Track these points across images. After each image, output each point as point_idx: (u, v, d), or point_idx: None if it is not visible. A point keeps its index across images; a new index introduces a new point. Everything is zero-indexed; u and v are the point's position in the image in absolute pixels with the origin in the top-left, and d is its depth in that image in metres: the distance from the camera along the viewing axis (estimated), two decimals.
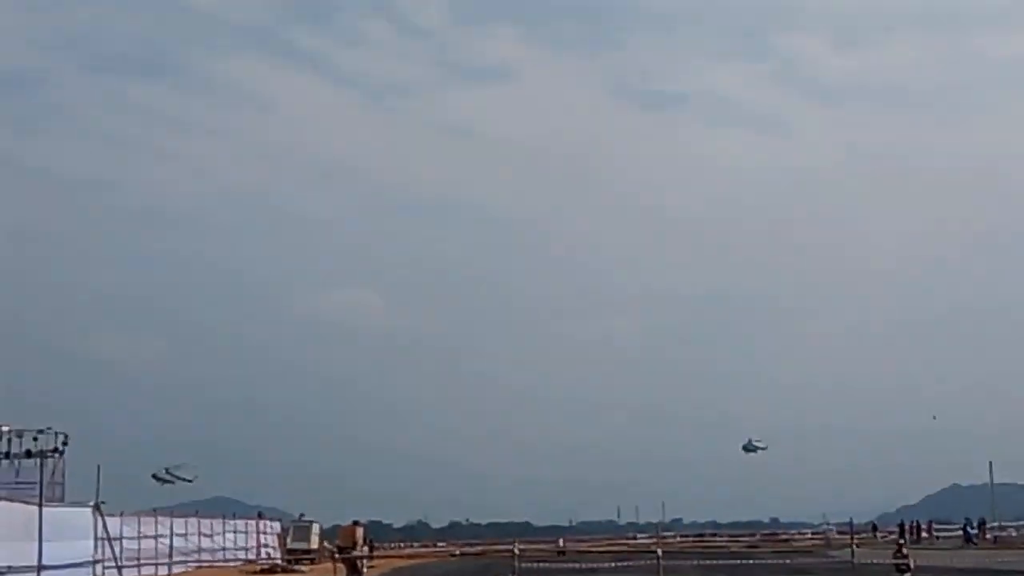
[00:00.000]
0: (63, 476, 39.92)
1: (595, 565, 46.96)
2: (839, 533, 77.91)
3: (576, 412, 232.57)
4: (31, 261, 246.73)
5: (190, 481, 56.34)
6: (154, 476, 56.49)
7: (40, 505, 28.30)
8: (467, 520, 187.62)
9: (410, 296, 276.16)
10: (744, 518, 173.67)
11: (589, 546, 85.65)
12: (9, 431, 40.67)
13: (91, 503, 35.03)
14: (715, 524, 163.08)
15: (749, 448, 67.90)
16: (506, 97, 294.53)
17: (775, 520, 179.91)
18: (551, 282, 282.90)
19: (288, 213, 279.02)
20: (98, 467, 36.49)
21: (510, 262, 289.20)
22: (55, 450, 39.83)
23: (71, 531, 31.96)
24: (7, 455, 40.12)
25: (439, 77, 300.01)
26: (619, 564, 45.32)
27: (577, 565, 44.76)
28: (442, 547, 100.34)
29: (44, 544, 27.73)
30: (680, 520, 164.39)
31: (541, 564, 43.36)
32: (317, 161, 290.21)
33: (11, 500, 28.52)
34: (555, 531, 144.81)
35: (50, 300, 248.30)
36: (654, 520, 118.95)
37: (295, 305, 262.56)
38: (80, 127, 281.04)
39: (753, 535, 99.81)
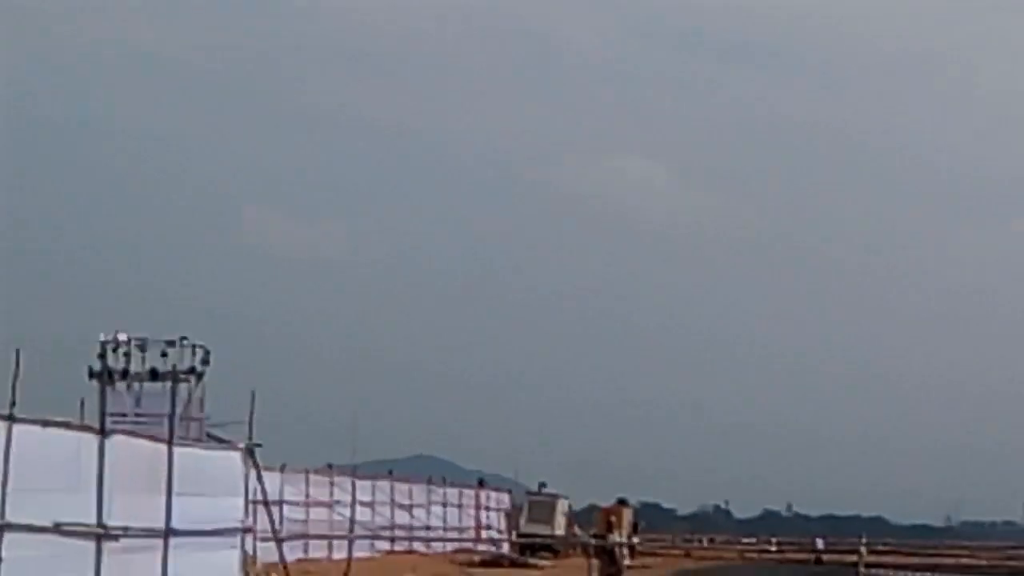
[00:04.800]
0: (201, 407, 32.69)
1: None
2: None
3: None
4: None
5: None
6: None
7: (170, 444, 25.31)
8: (789, 509, 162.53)
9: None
10: None
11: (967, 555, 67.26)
12: (128, 342, 33.29)
13: (241, 444, 30.97)
14: None
15: None
16: None
17: None
18: None
19: None
20: (252, 394, 31.16)
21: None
22: (191, 371, 32.64)
23: (211, 483, 28.73)
24: (125, 375, 32.46)
25: None
26: None
27: None
28: (750, 544, 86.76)
29: (174, 499, 24.91)
30: None
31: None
32: None
33: (134, 435, 24.44)
34: (922, 533, 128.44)
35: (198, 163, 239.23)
36: None
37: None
38: None
39: None
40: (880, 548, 49.97)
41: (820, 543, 69.08)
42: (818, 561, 63.57)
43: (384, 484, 54.81)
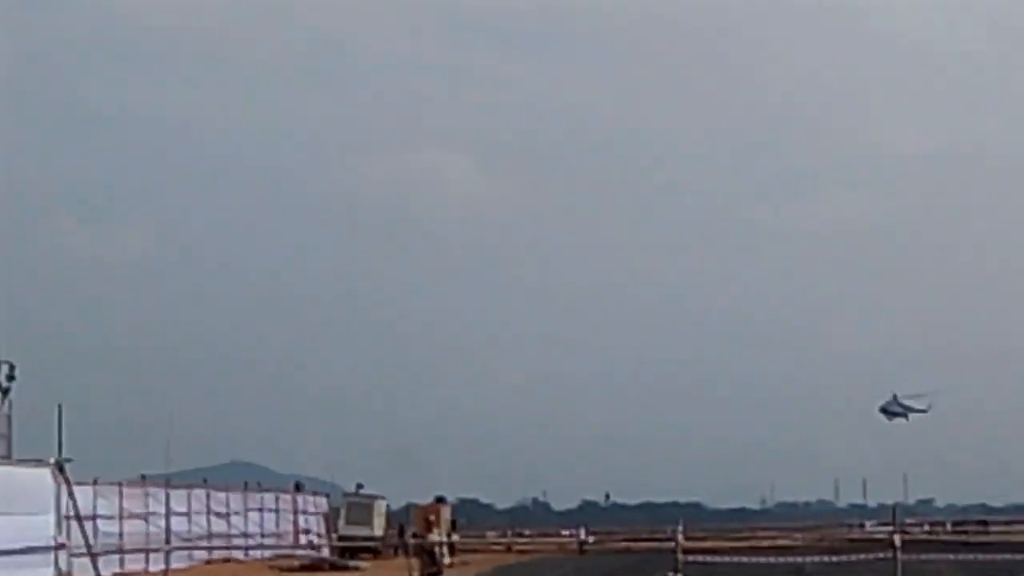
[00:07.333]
0: (8, 424, 32.81)
1: (797, 559, 40.16)
2: None
3: (772, 340, 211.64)
4: None
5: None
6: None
7: None
8: (607, 498, 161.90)
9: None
10: None
11: (782, 536, 67.58)
12: None
13: (50, 460, 30.69)
14: (984, 508, 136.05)
15: (891, 410, 52.82)
16: None
17: None
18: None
19: None
20: (59, 408, 31.13)
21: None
22: None
23: (21, 501, 28.99)
24: None
25: None
26: (835, 560, 38.15)
27: (771, 560, 38.47)
28: (568, 536, 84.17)
29: None
30: (931, 502, 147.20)
31: (718, 558, 37.06)
32: None
33: None
34: (739, 516, 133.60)
35: None
36: (890, 501, 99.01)
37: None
38: None
39: None
40: (697, 535, 51.19)
41: (582, 533, 71.35)
42: (582, 551, 65.26)
43: (199, 492, 54.24)
